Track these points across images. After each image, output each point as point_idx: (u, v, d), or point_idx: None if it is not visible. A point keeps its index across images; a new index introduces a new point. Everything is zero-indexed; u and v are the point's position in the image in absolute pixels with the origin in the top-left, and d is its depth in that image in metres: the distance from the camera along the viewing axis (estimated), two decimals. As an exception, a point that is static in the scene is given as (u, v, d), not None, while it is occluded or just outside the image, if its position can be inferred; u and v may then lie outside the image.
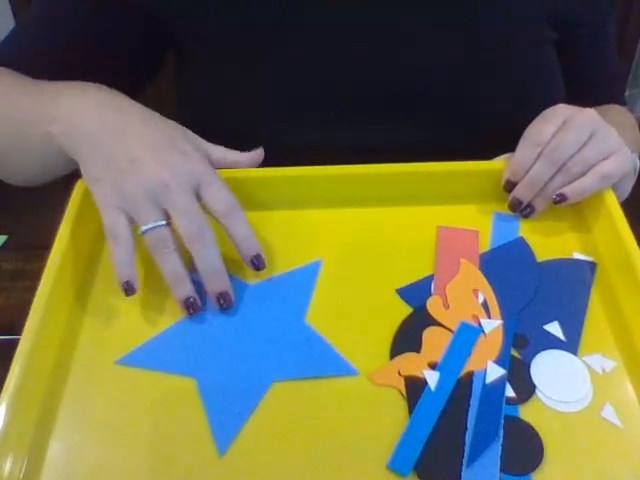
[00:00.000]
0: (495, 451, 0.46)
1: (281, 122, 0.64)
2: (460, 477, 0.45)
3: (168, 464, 0.47)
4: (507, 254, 0.60)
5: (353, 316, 0.55)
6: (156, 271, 0.53)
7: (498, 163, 0.63)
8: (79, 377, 0.51)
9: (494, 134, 0.64)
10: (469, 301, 0.56)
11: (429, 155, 0.62)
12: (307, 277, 0.58)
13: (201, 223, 0.51)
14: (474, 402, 0.49)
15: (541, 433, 0.47)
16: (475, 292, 0.56)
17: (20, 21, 0.69)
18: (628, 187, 0.63)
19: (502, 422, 0.48)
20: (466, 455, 0.46)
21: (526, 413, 0.49)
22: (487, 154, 0.64)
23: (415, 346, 0.53)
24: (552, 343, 0.53)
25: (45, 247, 0.53)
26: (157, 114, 0.57)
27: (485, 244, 0.61)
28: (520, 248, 0.60)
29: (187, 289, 0.52)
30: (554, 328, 0.54)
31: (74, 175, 0.57)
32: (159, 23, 0.66)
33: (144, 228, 0.51)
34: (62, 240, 0.55)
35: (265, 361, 0.52)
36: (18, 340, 0.49)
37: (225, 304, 0.53)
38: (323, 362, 0.52)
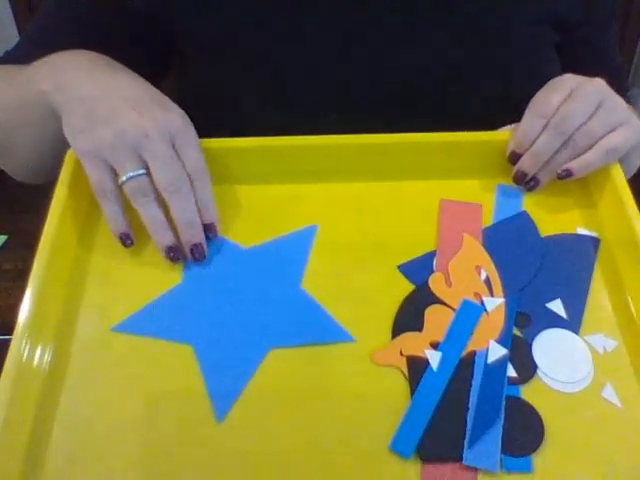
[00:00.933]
0: (496, 432, 0.46)
1: (281, 124, 0.62)
2: (461, 459, 0.46)
3: (166, 430, 0.47)
4: (510, 229, 0.59)
5: (352, 288, 0.55)
6: (149, 239, 0.55)
7: (502, 134, 0.62)
8: (77, 344, 0.52)
9: None
10: (472, 278, 0.55)
11: None
12: (303, 241, 0.58)
13: (179, 174, 0.52)
14: (476, 382, 0.49)
15: (542, 413, 0.48)
16: (477, 269, 0.56)
17: (24, 30, 0.70)
18: (637, 161, 0.62)
19: (503, 403, 0.48)
20: (467, 436, 0.46)
21: (527, 393, 0.49)
22: None
23: (417, 325, 0.53)
24: (554, 322, 0.53)
25: None
26: (144, 80, 0.57)
27: (488, 218, 0.60)
28: (523, 222, 0.59)
29: (168, 236, 0.53)
30: (556, 306, 0.54)
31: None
32: (159, 26, 0.65)
33: (124, 178, 0.52)
34: (57, 208, 0.55)
35: (262, 327, 0.52)
36: None
37: (198, 255, 0.54)
38: (319, 328, 0.52)
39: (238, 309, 0.53)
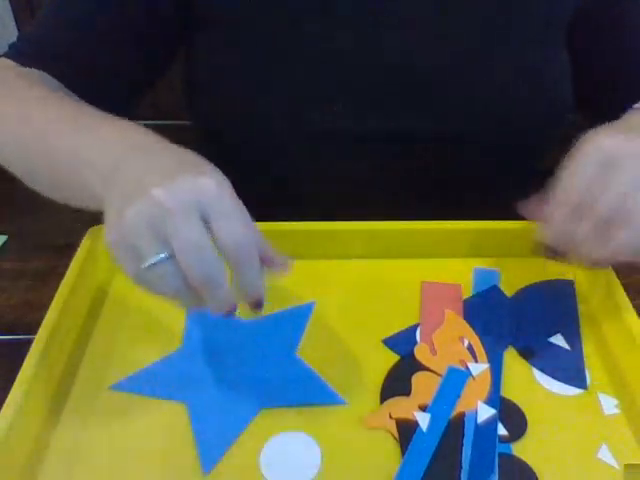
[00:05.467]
0: (492, 487, 0.46)
1: (291, 108, 0.64)
2: (457, 514, 0.44)
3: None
4: (484, 301, 0.61)
5: (343, 357, 0.56)
6: (152, 305, 0.58)
7: (476, 223, 0.65)
8: (76, 401, 0.52)
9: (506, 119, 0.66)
10: (456, 347, 0.56)
11: (438, 142, 0.65)
12: (300, 316, 0.59)
13: (208, 264, 0.43)
14: (467, 441, 0.49)
15: (535, 469, 0.47)
16: (460, 339, 0.57)
17: (39, 20, 0.66)
18: None
19: (497, 459, 0.47)
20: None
21: (519, 450, 0.48)
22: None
23: (405, 390, 0.53)
24: (558, 353, 0.56)
25: (45, 247, 0.53)
26: (189, 151, 0.49)
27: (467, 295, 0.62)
28: (496, 294, 0.62)
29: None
30: (558, 339, 0.57)
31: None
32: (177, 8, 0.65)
33: (144, 266, 0.43)
34: (71, 275, 0.57)
35: (254, 388, 0.53)
36: (18, 340, 0.49)
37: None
38: (311, 391, 0.53)
39: (232, 372, 0.54)
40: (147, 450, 0.48)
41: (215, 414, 0.50)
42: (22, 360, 0.49)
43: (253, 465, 0.47)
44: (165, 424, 0.50)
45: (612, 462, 0.48)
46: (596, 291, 0.61)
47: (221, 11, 0.65)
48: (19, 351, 0.50)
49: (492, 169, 0.71)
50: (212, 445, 0.48)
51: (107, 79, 0.65)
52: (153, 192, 0.43)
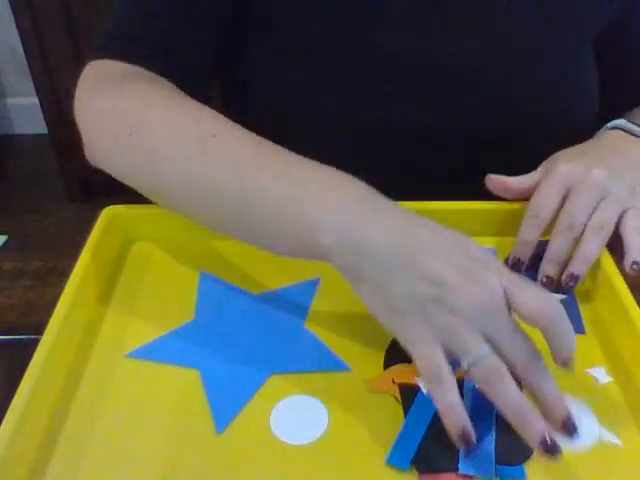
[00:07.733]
0: (490, 442, 0.48)
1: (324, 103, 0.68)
2: (457, 469, 0.47)
3: (171, 439, 0.49)
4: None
5: (348, 328, 0.58)
6: (166, 277, 0.61)
7: (474, 204, 0.68)
8: (95, 368, 0.55)
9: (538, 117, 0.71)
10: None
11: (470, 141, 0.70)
12: (307, 290, 0.62)
13: (531, 346, 0.46)
14: (466, 403, 0.51)
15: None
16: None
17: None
18: None
19: (494, 420, 0.50)
20: (462, 448, 0.48)
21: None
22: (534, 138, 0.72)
23: (406, 359, 0.55)
24: None
25: (45, 247, 0.55)
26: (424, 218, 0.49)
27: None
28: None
29: (540, 426, 0.44)
30: None
31: (74, 177, 0.60)
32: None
33: (470, 360, 0.45)
34: (87, 253, 0.60)
35: (264, 356, 0.55)
36: (18, 340, 0.50)
37: (572, 430, 0.45)
38: (318, 358, 0.56)
39: (244, 341, 0.57)
40: (163, 412, 0.51)
41: (227, 379, 0.53)
42: (22, 360, 0.50)
43: (264, 425, 0.50)
44: (180, 388, 0.53)
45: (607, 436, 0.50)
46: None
47: (281, 15, 0.69)
48: (19, 351, 0.51)
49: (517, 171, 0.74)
50: (225, 407, 0.51)
51: (192, 63, 0.68)
52: (466, 292, 0.45)
